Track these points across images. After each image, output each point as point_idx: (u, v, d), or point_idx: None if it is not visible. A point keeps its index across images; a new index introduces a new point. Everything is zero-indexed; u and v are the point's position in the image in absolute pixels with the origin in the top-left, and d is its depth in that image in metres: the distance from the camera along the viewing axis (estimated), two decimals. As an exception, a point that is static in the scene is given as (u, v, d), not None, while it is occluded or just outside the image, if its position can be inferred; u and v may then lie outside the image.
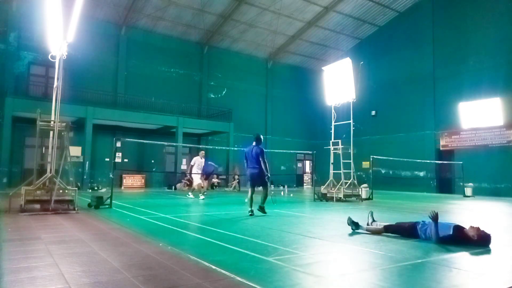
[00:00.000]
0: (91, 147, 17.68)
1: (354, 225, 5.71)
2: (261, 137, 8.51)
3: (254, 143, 8.25)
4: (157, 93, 21.24)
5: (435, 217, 4.74)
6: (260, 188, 8.28)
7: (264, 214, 7.88)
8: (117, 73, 20.73)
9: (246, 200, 8.64)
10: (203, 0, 20.35)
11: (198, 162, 12.97)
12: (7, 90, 16.54)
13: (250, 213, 7.86)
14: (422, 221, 5.16)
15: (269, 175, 8.14)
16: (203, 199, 12.24)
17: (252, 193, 8.10)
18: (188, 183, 16.33)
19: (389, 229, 5.41)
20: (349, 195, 12.77)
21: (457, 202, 13.62)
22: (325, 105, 15.55)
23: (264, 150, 8.21)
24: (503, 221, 8.32)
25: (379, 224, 5.66)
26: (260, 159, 7.98)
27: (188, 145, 21.65)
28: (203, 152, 13.55)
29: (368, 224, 5.74)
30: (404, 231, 5.27)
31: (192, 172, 12.99)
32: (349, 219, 5.85)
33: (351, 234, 5.53)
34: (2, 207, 8.18)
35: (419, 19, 22.12)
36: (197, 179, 12.94)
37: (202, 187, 12.87)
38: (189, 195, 13.33)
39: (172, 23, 21.83)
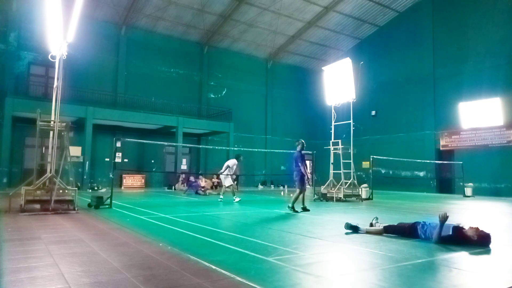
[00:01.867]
0: (91, 147, 17.66)
1: (353, 229, 5.65)
2: (301, 141, 9.41)
3: (297, 148, 9.27)
4: (157, 93, 21.24)
5: (443, 220, 4.70)
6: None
7: (294, 213, 8.52)
8: (117, 73, 20.73)
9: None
10: (203, 0, 20.35)
11: (232, 164, 12.31)
12: (7, 90, 16.54)
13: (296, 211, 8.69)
14: (423, 222, 5.15)
15: (307, 175, 9.11)
16: (239, 201, 11.67)
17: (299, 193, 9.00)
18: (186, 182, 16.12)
19: (389, 230, 5.40)
20: (349, 195, 12.77)
21: (457, 202, 13.61)
22: (325, 105, 15.54)
23: (303, 154, 9.14)
24: (503, 221, 8.31)
25: (379, 225, 5.65)
26: (299, 163, 8.93)
27: (188, 145, 21.65)
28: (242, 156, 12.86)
29: (370, 226, 5.72)
30: (404, 231, 5.25)
31: (224, 173, 12.29)
32: (347, 224, 5.78)
33: (351, 234, 5.53)
34: (2, 207, 8.17)
35: (419, 19, 22.11)
36: (228, 181, 12.29)
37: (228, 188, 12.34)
38: (221, 197, 12.45)
39: (172, 23, 21.82)
